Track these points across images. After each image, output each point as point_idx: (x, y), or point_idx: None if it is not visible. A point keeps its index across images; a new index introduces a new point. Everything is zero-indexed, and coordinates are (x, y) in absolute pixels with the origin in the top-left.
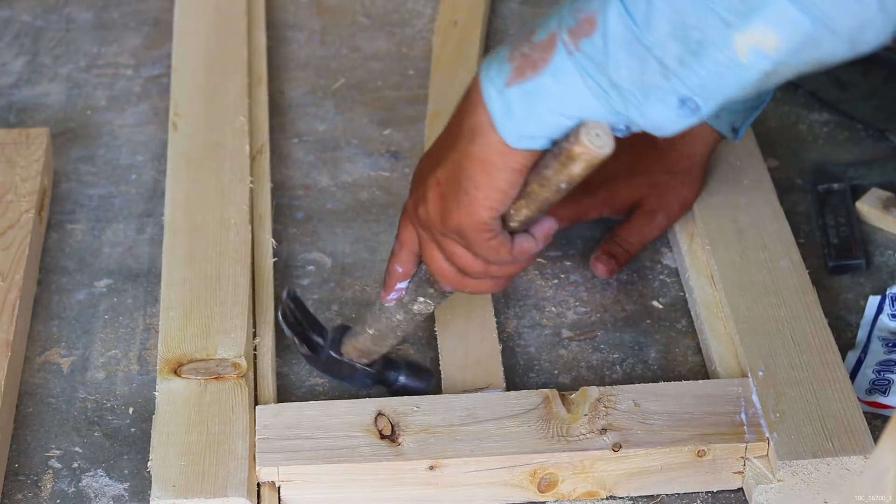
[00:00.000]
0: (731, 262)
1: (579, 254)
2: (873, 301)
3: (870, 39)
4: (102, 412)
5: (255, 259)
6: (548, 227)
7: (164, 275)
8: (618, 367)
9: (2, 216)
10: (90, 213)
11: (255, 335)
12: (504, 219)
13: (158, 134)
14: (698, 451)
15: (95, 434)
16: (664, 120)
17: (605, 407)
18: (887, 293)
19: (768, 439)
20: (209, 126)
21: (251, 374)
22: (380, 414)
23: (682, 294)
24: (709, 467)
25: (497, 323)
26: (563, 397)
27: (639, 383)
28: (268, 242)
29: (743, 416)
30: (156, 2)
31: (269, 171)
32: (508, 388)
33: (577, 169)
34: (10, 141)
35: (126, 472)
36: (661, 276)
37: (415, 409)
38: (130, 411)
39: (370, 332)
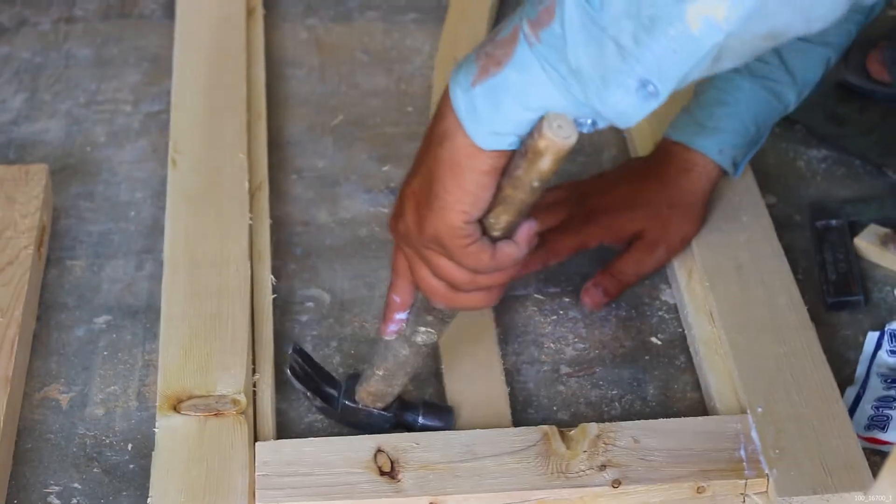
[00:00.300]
0: (730, 299)
1: (577, 290)
2: (872, 337)
3: (823, 14)
4: (101, 448)
5: (255, 295)
6: (528, 229)
7: (164, 311)
8: (616, 403)
9: (1, 252)
10: (89, 249)
11: (254, 371)
12: (486, 228)
13: (158, 170)
14: (698, 488)
15: (94, 470)
16: (625, 106)
17: (604, 443)
18: (886, 329)
19: (768, 476)
20: (209, 163)
21: (251, 410)
22: (379, 450)
23: (680, 330)
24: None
25: None
26: (562, 434)
27: (637, 419)
28: (267, 279)
29: (742, 452)
30: (155, 38)
31: (268, 207)
32: (506, 425)
33: (546, 164)
34: (9, 177)
35: None
36: (660, 313)
37: (414, 445)
38: (129, 447)
39: (379, 373)
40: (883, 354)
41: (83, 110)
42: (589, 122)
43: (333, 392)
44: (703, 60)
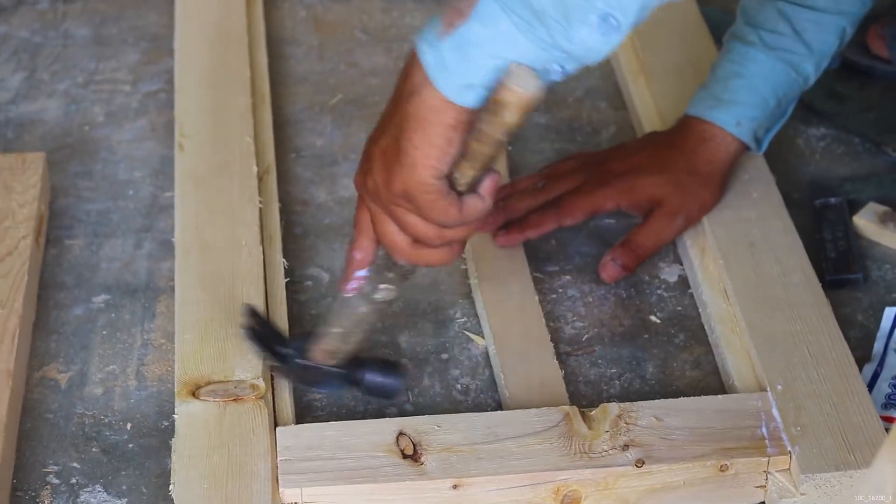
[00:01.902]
0: (744, 277)
1: (576, 269)
2: (889, 313)
3: None
4: (100, 428)
5: (268, 279)
6: (491, 181)
7: (178, 296)
8: (616, 381)
9: (0, 243)
10: (88, 228)
11: None
12: (452, 183)
13: (156, 149)
14: (721, 466)
15: (93, 449)
16: (591, 42)
17: (625, 423)
18: None
19: (790, 453)
20: (215, 146)
21: (269, 395)
22: (401, 433)
23: (679, 309)
24: (731, 482)
25: None
26: (582, 414)
27: (636, 399)
28: (279, 262)
29: (764, 430)
30: (153, 17)
31: (276, 190)
32: (503, 405)
33: (511, 116)
34: (6, 166)
35: (124, 487)
36: (659, 291)
37: (436, 427)
38: (128, 427)
39: (337, 330)
40: None
41: (81, 90)
42: (557, 67)
43: (287, 350)
44: None
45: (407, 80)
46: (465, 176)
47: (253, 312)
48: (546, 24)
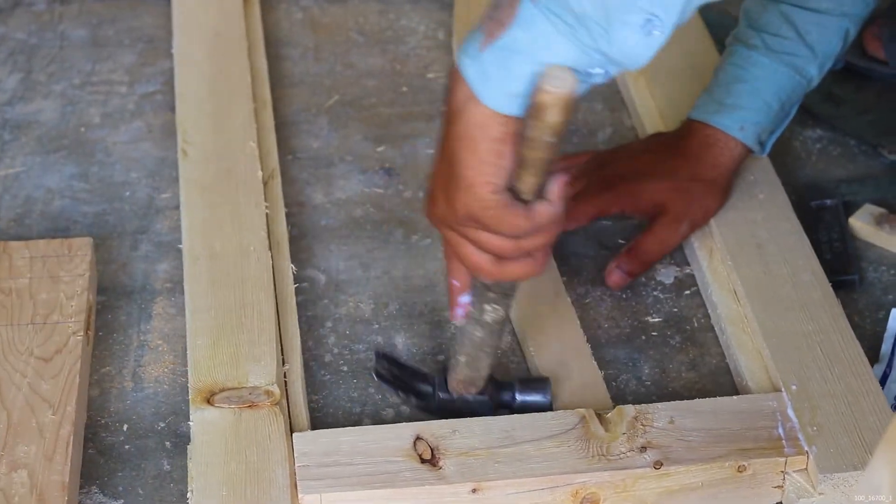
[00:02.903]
0: (754, 278)
1: (572, 270)
2: (895, 314)
3: None
4: (96, 429)
5: (277, 285)
6: (559, 184)
7: (189, 303)
8: (612, 383)
9: (48, 339)
10: (84, 230)
11: (283, 361)
12: (517, 194)
13: (153, 151)
14: (738, 467)
15: (90, 451)
16: (633, 45)
17: (642, 425)
18: None
19: (807, 453)
20: (219, 152)
21: (284, 401)
22: (418, 438)
23: (675, 311)
24: (749, 482)
25: None
26: (599, 416)
27: (633, 401)
28: (287, 268)
29: (780, 430)
30: (149, 19)
31: (281, 195)
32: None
33: (552, 117)
34: (51, 253)
35: (120, 488)
36: (655, 293)
37: (453, 432)
38: (125, 428)
39: (462, 359)
40: None
41: (78, 91)
42: (599, 70)
43: (427, 388)
44: None
45: (451, 99)
46: (526, 184)
47: (385, 356)
48: (587, 27)
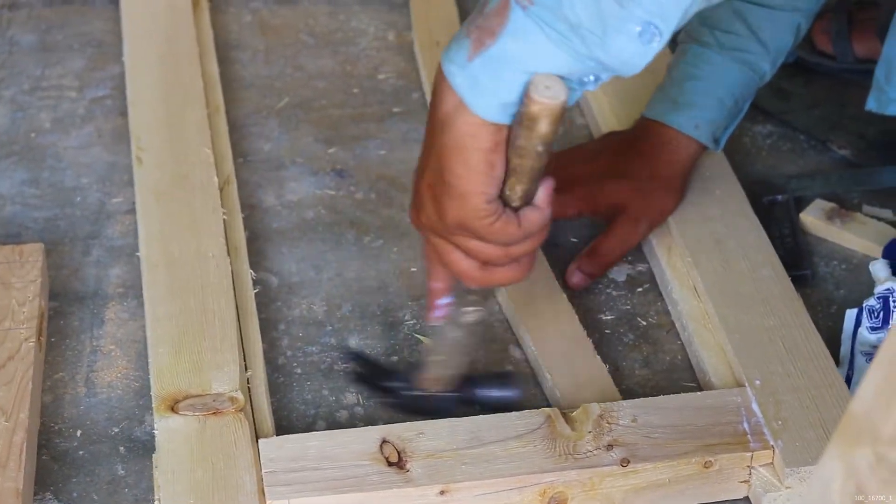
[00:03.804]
0: (714, 274)
1: None
2: (850, 314)
3: None
4: (50, 435)
5: (236, 290)
6: (546, 190)
7: (148, 311)
8: None
9: (0, 346)
10: (35, 235)
11: (245, 368)
12: (505, 201)
13: (104, 156)
14: (705, 463)
15: (43, 457)
16: (630, 53)
17: (607, 423)
18: (863, 306)
19: (773, 447)
20: (174, 158)
21: (248, 407)
22: (385, 441)
23: (628, 308)
24: (715, 478)
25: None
26: (564, 415)
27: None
28: (246, 273)
29: (745, 425)
30: (99, 23)
31: (238, 200)
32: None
33: (543, 127)
34: (2, 259)
35: (75, 494)
36: (608, 290)
37: (419, 434)
38: (78, 434)
39: (437, 358)
40: (864, 332)
41: (27, 97)
42: (592, 78)
43: (396, 384)
44: None
45: (438, 108)
46: (516, 191)
47: (355, 356)
48: (582, 37)
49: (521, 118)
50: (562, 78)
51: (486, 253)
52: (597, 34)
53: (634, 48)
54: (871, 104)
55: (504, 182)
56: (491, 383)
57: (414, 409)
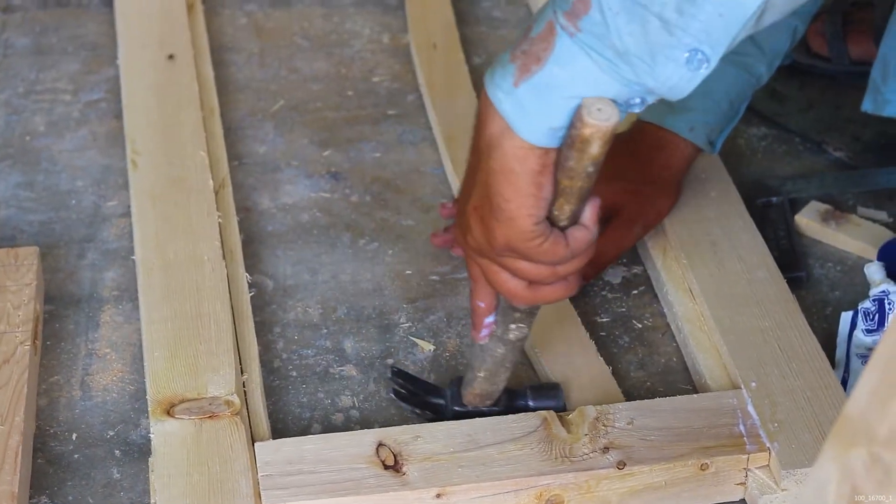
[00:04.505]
0: (709, 275)
1: None
2: (846, 317)
3: None
4: (45, 438)
5: (232, 293)
6: (593, 209)
7: (144, 315)
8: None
9: None
10: (30, 239)
11: (241, 371)
12: (552, 220)
13: (98, 159)
14: (701, 465)
15: (39, 461)
16: (678, 79)
17: (603, 425)
18: (859, 308)
19: (769, 449)
20: (169, 162)
21: (244, 411)
22: (381, 444)
23: (623, 310)
24: (712, 480)
25: (438, 342)
26: (560, 418)
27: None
28: (242, 276)
29: (741, 427)
30: (93, 26)
31: (233, 203)
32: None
33: (595, 149)
34: None
35: (70, 498)
36: (603, 293)
37: (416, 437)
38: (74, 437)
39: (481, 375)
40: (859, 334)
41: (22, 100)
42: (638, 100)
43: (440, 401)
44: (749, 20)
45: (484, 131)
46: (564, 211)
47: (399, 372)
48: (630, 63)
49: (572, 140)
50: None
51: (534, 274)
52: (645, 61)
53: (682, 74)
54: (867, 105)
55: (552, 203)
56: (537, 395)
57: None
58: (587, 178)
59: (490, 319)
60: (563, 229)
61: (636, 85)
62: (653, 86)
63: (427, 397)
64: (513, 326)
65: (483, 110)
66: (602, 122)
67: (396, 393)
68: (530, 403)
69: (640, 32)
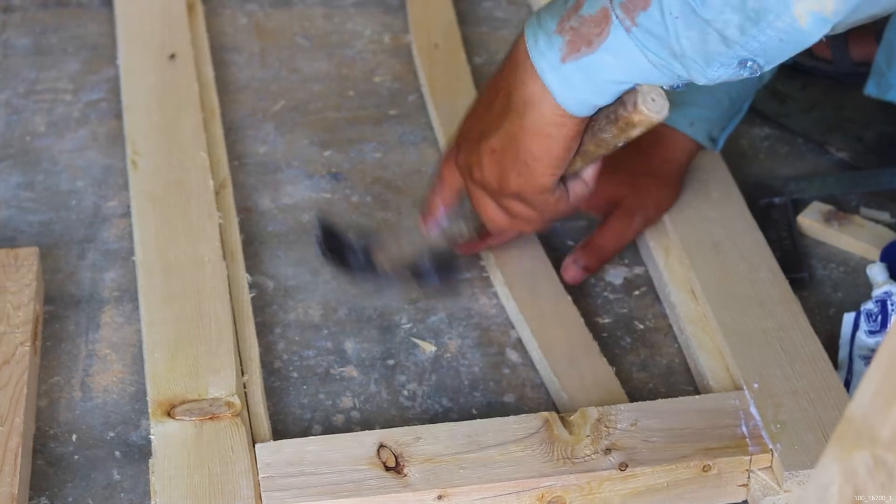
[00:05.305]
0: (711, 276)
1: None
2: (848, 318)
3: None
4: (45, 440)
5: (232, 295)
6: (595, 168)
7: (144, 316)
8: None
9: None
10: (31, 239)
11: (242, 372)
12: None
13: (99, 159)
14: (704, 466)
15: (39, 462)
16: (726, 77)
17: (605, 427)
18: (861, 309)
19: (772, 451)
20: (170, 163)
21: (245, 412)
22: (382, 446)
23: (624, 311)
24: (714, 482)
25: (440, 343)
26: (562, 419)
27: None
28: (242, 277)
29: (744, 428)
30: (93, 26)
31: (234, 205)
32: (454, 408)
33: (636, 132)
34: None
35: (70, 499)
36: (605, 294)
37: (417, 439)
38: (74, 438)
39: (406, 248)
40: (861, 335)
41: (22, 100)
42: (681, 84)
43: (354, 260)
44: (808, 46)
45: (519, 88)
46: (573, 167)
47: (323, 224)
48: (684, 63)
49: (616, 118)
50: None
51: (526, 215)
52: (699, 63)
53: (731, 74)
54: (871, 89)
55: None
56: (434, 264)
57: (361, 279)
58: (613, 149)
59: (441, 216)
60: (562, 180)
61: (684, 79)
62: (701, 81)
63: (343, 253)
64: (460, 226)
65: (521, 67)
66: (654, 114)
67: (320, 244)
68: (427, 265)
69: (697, 39)
